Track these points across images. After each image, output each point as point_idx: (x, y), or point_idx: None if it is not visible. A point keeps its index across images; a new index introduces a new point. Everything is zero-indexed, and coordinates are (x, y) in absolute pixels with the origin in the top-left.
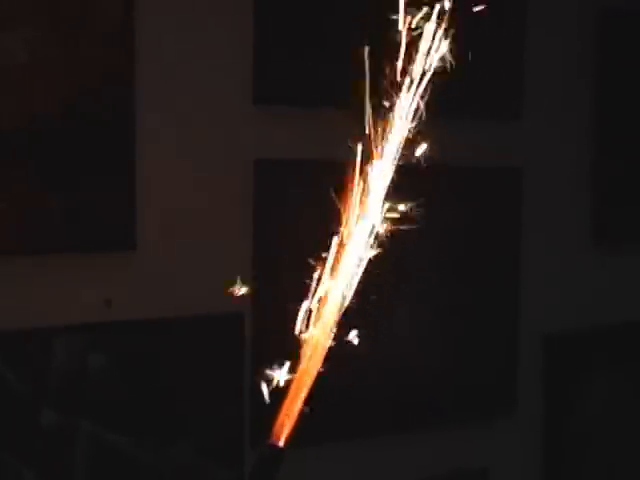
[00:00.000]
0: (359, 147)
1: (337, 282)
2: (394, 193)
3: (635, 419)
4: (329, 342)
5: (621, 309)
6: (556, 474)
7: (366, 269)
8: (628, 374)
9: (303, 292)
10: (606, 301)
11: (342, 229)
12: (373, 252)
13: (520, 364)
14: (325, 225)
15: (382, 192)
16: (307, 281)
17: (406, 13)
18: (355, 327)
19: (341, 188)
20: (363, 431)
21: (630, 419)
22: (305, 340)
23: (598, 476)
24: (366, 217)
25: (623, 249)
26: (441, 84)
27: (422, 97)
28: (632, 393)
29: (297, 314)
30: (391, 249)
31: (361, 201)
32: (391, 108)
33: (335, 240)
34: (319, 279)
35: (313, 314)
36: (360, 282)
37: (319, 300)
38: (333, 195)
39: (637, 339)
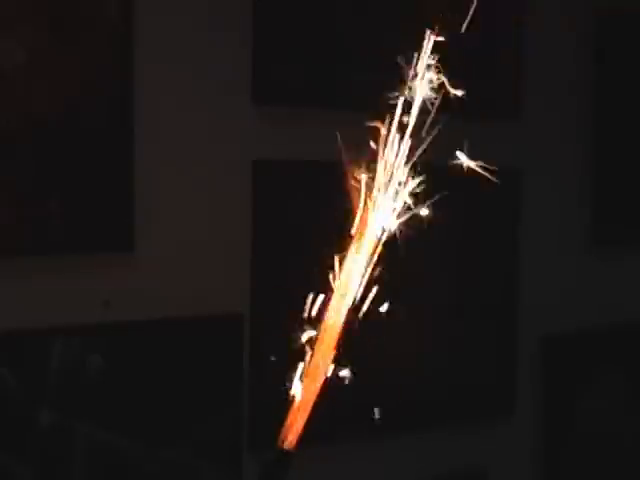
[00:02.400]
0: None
1: (345, 286)
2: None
3: (633, 419)
4: (336, 348)
5: (620, 310)
6: (555, 474)
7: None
8: (626, 375)
9: (303, 293)
10: (605, 302)
11: (353, 229)
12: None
13: (519, 365)
14: (324, 225)
15: (390, 194)
16: (306, 282)
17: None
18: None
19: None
20: (362, 431)
21: (629, 419)
22: (312, 346)
23: (597, 476)
24: (375, 218)
25: (622, 250)
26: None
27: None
28: (630, 394)
29: (298, 316)
30: (390, 250)
31: (368, 202)
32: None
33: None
34: (326, 281)
35: (320, 318)
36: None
37: (325, 303)
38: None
39: (636, 340)
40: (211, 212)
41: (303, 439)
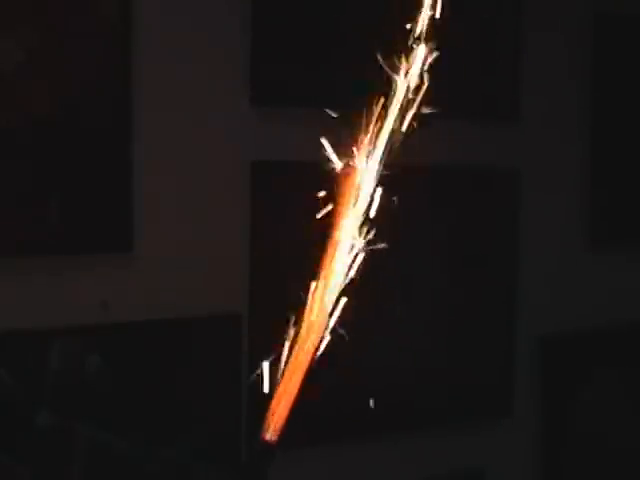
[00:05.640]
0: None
1: (330, 279)
2: (389, 194)
3: (632, 419)
4: (319, 337)
5: (618, 310)
6: (554, 474)
7: (362, 270)
8: (625, 375)
9: (300, 293)
10: (603, 302)
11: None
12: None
13: (518, 365)
14: (323, 226)
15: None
16: (304, 283)
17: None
18: (352, 326)
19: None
20: (362, 431)
21: (627, 420)
22: (296, 334)
23: (596, 477)
24: (357, 213)
25: (621, 250)
26: (439, 85)
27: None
28: (629, 394)
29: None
30: (387, 249)
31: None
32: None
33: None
34: (312, 275)
35: (305, 310)
36: (356, 283)
37: (311, 295)
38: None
39: (634, 340)
40: (210, 212)
41: (301, 439)
